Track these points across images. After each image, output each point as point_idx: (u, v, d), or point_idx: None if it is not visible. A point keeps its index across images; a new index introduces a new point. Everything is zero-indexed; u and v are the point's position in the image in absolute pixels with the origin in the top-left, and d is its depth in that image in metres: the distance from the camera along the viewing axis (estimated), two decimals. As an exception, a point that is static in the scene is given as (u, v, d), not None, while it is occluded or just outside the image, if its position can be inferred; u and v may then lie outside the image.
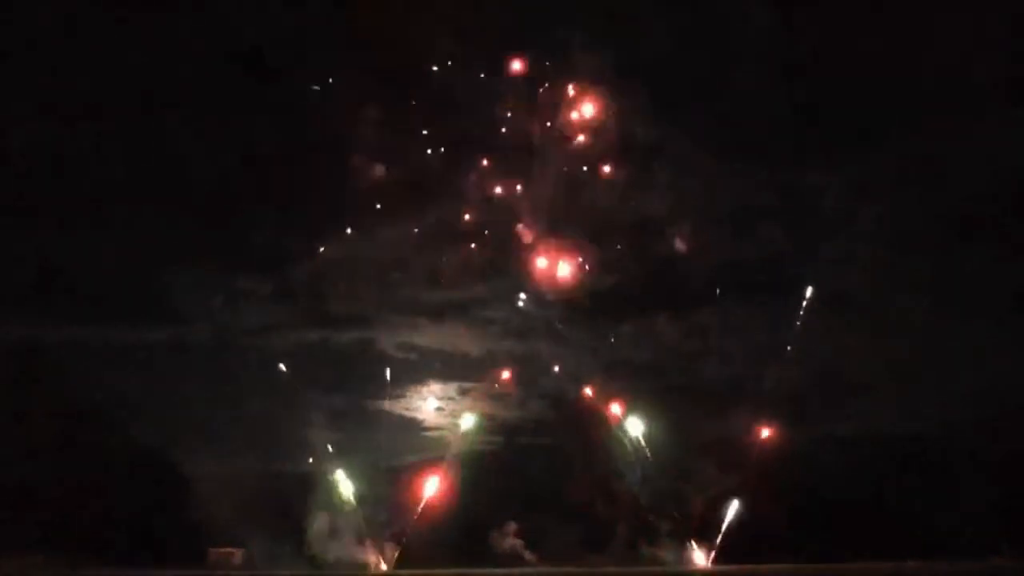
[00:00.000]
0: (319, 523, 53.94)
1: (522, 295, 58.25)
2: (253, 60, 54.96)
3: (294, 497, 53.84)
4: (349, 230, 56.57)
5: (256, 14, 55.08)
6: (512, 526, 56.20)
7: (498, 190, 56.98)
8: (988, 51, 54.45)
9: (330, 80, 56.37)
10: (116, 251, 54.63)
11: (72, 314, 54.37)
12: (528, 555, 56.14)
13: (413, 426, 57.94)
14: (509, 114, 56.36)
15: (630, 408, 57.25)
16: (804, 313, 56.58)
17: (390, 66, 55.41)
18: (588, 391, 58.21)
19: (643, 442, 56.86)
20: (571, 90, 56.66)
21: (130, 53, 54.13)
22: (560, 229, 57.10)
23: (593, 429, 57.44)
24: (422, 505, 54.92)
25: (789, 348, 56.54)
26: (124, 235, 54.73)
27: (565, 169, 56.16)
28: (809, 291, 56.67)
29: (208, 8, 54.32)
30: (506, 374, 57.94)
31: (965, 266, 54.46)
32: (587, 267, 57.60)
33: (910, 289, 55.12)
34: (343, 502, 54.57)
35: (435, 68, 56.56)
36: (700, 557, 55.99)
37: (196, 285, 55.41)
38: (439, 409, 58.02)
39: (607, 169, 56.88)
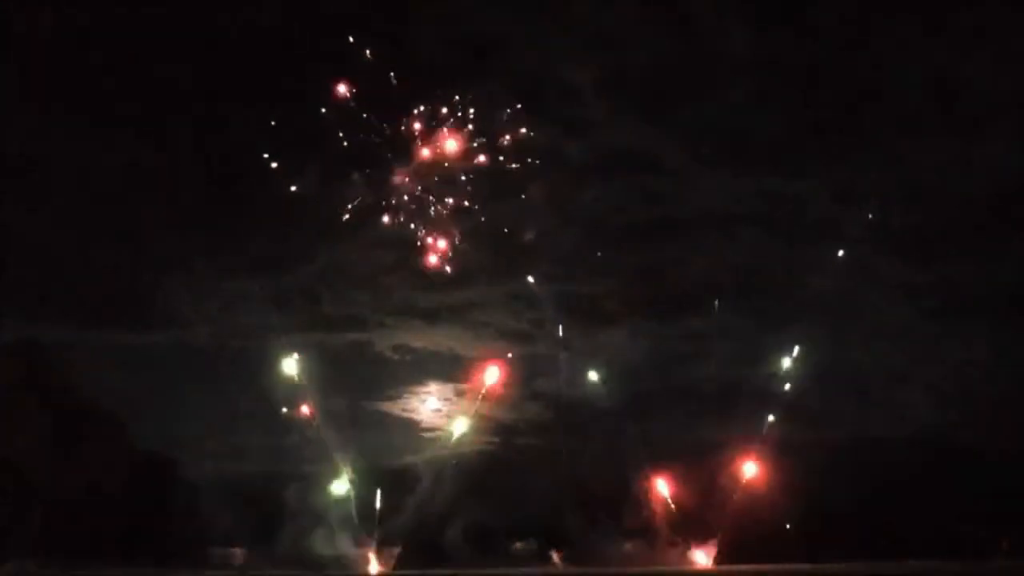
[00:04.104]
0: (318, 523, 54.05)
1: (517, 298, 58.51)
2: (251, 62, 55.44)
3: (293, 497, 53.95)
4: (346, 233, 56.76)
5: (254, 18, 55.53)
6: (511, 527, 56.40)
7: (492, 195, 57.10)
8: (976, 60, 54.71)
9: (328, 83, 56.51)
10: (116, 254, 55.59)
11: (72, 316, 55.42)
12: (527, 555, 56.31)
13: (411, 427, 58.39)
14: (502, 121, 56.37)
15: (626, 409, 57.19)
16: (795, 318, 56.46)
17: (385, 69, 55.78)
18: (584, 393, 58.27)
19: (639, 443, 56.81)
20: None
21: (130, 56, 54.78)
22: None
23: (589, 430, 57.54)
24: (423, 505, 54.90)
25: (784, 351, 56.42)
26: (124, 238, 55.65)
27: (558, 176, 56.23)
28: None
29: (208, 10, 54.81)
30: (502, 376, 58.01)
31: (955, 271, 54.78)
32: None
33: (901, 294, 55.24)
34: (342, 502, 54.65)
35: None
36: (700, 557, 55.81)
37: (194, 288, 56.16)
38: (436, 410, 58.28)
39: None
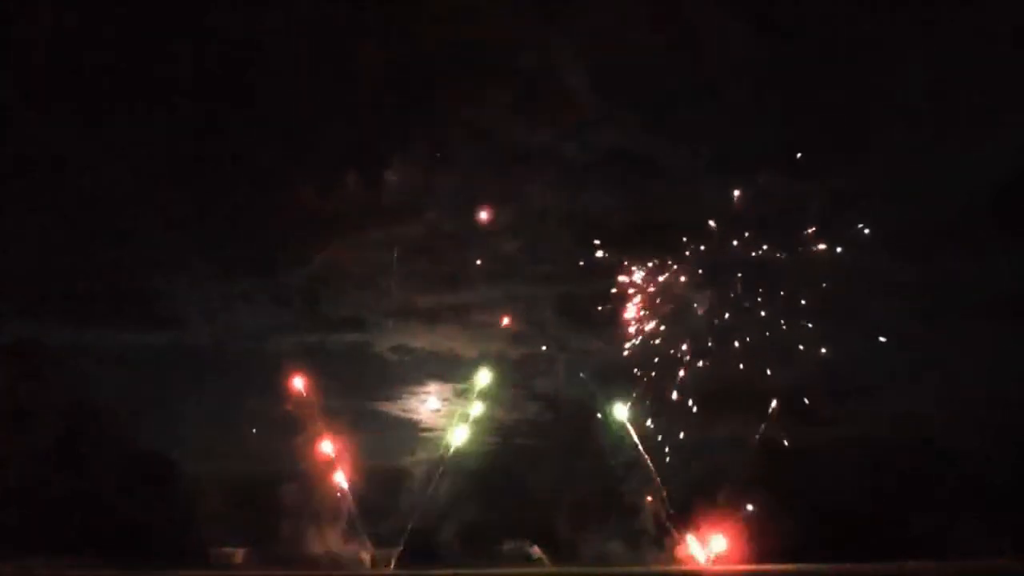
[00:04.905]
0: (317, 523, 54.15)
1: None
2: (249, 63, 55.63)
3: (292, 497, 54.04)
4: (344, 233, 56.83)
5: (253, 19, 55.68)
6: (511, 527, 56.49)
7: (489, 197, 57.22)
8: (975, 60, 54.63)
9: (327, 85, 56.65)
10: (116, 253, 55.83)
11: (72, 316, 55.61)
12: (527, 555, 56.36)
13: (410, 427, 58.43)
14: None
15: (626, 409, 57.21)
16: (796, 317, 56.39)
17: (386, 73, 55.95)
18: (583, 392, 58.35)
19: (639, 443, 56.88)
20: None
21: (130, 56, 55.01)
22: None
23: (589, 430, 57.55)
24: (421, 506, 54.93)
25: (783, 351, 56.39)
26: (124, 237, 55.85)
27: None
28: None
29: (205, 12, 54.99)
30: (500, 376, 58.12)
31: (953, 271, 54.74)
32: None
33: (899, 294, 55.15)
34: (341, 503, 54.72)
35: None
36: (700, 557, 55.85)
37: (194, 288, 56.50)
38: (435, 411, 58.35)
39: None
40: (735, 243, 56.45)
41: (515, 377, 58.30)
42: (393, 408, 58.46)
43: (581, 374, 57.98)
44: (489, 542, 56.10)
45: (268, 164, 55.93)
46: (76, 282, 55.44)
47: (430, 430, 57.68)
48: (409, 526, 54.84)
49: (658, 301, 57.29)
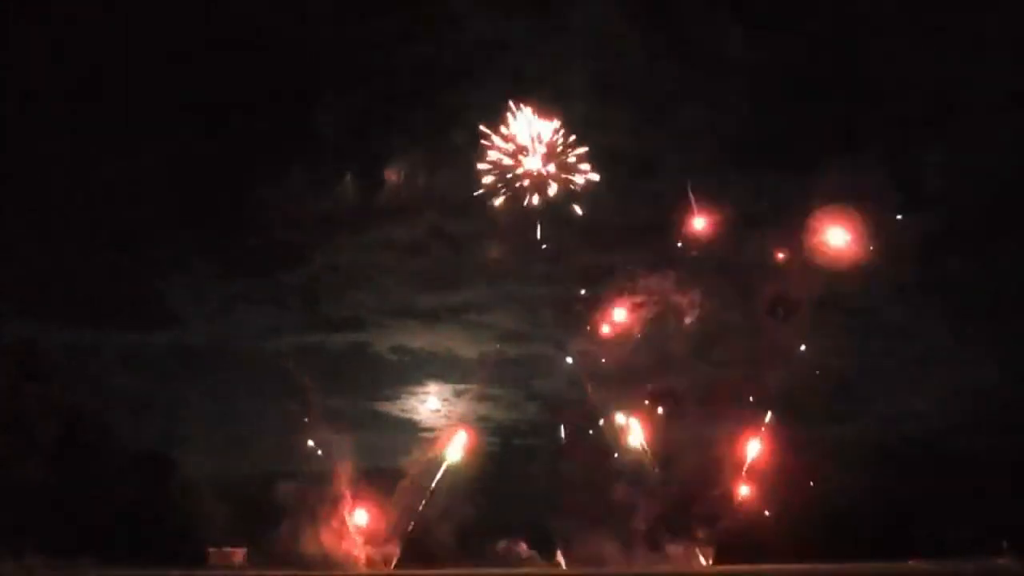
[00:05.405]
0: (316, 523, 54.17)
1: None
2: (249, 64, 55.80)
3: (291, 497, 54.07)
4: (344, 233, 56.97)
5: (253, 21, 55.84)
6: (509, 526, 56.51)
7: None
8: (975, 60, 54.76)
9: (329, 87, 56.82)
10: (116, 254, 56.11)
11: (72, 316, 55.84)
12: (526, 555, 56.41)
13: (410, 427, 58.58)
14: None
15: (625, 410, 57.19)
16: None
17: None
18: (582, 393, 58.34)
19: (639, 443, 56.88)
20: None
21: (132, 59, 55.19)
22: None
23: (587, 430, 57.58)
24: (421, 505, 54.96)
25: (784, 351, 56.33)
26: (124, 238, 56.07)
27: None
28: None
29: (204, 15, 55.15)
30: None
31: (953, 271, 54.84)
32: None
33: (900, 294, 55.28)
34: (341, 502, 54.77)
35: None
36: (700, 557, 55.82)
37: (194, 288, 56.68)
38: (435, 411, 58.43)
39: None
40: (735, 243, 56.61)
41: (514, 377, 58.55)
42: (393, 408, 58.83)
43: (579, 374, 58.12)
44: (484, 541, 56.21)
45: (268, 165, 55.98)
46: (76, 282, 55.62)
47: (429, 430, 57.88)
48: (407, 526, 54.78)
49: (656, 301, 57.42)
